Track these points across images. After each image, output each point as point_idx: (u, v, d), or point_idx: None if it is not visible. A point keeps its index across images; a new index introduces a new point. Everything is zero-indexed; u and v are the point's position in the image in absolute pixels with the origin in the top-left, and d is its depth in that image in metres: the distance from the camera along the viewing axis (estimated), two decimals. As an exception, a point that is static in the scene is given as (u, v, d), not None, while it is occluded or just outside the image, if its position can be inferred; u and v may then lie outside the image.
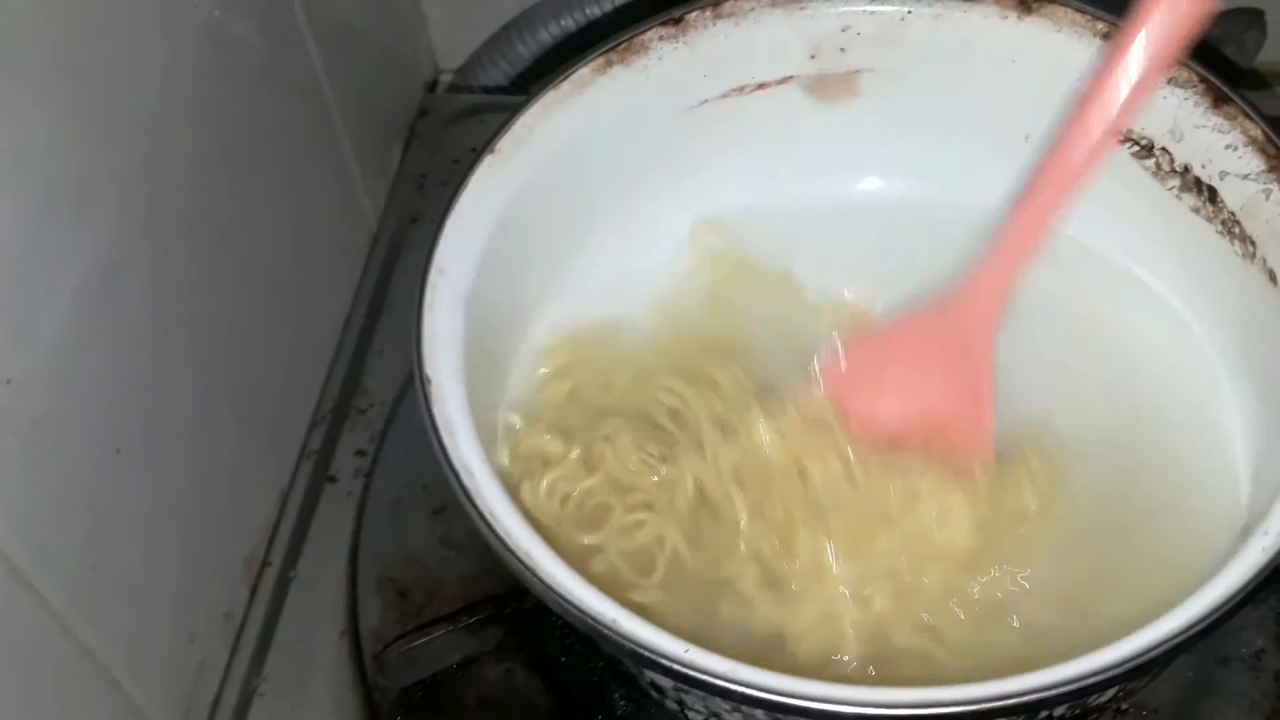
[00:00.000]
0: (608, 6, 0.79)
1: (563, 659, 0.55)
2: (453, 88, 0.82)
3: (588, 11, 0.79)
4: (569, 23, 0.80)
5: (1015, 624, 0.48)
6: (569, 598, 0.42)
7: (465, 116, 0.76)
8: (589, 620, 0.42)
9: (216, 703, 0.58)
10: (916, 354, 0.51)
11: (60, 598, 0.46)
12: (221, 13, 0.55)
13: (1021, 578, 0.49)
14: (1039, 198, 0.49)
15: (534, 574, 0.43)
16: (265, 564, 0.61)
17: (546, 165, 0.54)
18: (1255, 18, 0.69)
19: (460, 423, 0.47)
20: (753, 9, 0.56)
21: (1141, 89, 0.47)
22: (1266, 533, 0.43)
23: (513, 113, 0.54)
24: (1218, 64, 0.53)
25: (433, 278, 0.50)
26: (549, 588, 0.43)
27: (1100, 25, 0.54)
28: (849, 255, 0.59)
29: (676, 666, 0.41)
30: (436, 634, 0.53)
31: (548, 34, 0.80)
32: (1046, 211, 0.49)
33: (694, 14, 0.56)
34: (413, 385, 0.61)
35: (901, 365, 0.51)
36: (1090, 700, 0.46)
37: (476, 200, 0.52)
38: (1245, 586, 0.42)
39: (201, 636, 0.56)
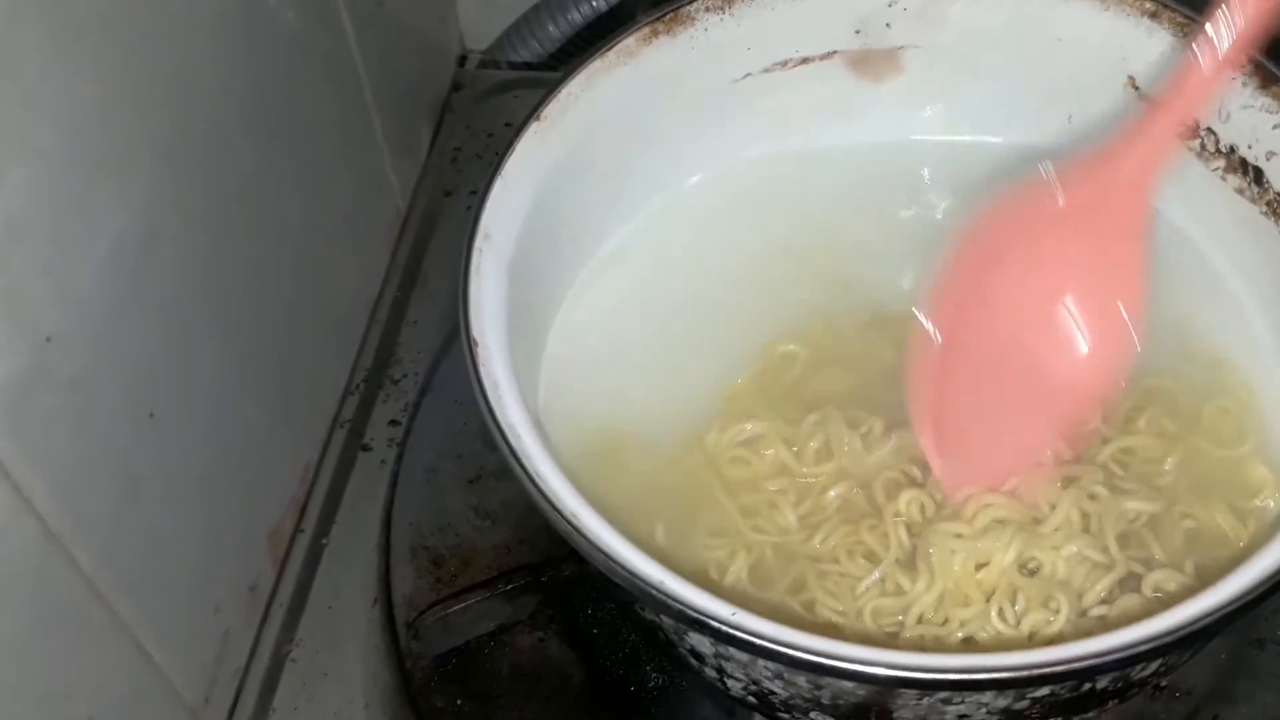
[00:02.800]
0: (637, -16, 0.79)
1: (596, 630, 0.55)
2: (484, 62, 0.82)
3: (618, -10, 0.79)
4: (599, 2, 0.79)
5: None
6: (616, 558, 0.42)
7: (499, 92, 0.76)
8: (636, 580, 0.42)
9: (247, 667, 0.58)
10: (1052, 234, 0.46)
11: (92, 562, 0.46)
12: (263, -11, 0.55)
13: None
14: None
15: (581, 534, 0.43)
16: (298, 530, 0.61)
17: (591, 133, 0.54)
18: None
19: (506, 384, 0.46)
20: (798, -17, 0.56)
21: None
22: (1312, 511, 0.43)
23: (559, 80, 0.54)
24: (1269, 47, 0.53)
25: (479, 242, 0.49)
26: (596, 547, 0.42)
27: (1148, 4, 0.54)
28: (889, 232, 0.58)
29: (723, 628, 0.41)
30: (472, 600, 0.53)
31: (578, 13, 0.80)
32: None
33: (740, -14, 0.56)
34: (447, 356, 0.63)
35: (1032, 253, 0.47)
36: (1133, 673, 0.45)
37: (522, 166, 0.52)
38: (1289, 565, 0.42)
39: (226, 607, 0.56)
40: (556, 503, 0.43)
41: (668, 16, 0.55)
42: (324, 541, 0.61)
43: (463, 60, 0.83)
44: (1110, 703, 0.47)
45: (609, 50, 0.55)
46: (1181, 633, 0.41)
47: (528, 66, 0.81)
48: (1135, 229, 0.46)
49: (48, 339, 0.43)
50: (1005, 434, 0.49)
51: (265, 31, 0.56)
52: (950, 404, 0.48)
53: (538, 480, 0.44)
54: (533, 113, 0.53)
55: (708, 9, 0.56)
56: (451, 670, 0.54)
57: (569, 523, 0.43)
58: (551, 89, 0.54)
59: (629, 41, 0.55)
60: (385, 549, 0.58)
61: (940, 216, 0.58)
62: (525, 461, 0.44)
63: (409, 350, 0.66)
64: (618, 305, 0.56)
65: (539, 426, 0.47)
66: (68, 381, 0.44)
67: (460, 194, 0.71)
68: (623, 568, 0.42)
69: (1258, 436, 0.51)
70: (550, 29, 0.80)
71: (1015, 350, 0.48)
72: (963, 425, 0.48)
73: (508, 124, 0.73)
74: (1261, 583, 0.42)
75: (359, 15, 0.64)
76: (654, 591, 0.42)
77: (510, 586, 0.53)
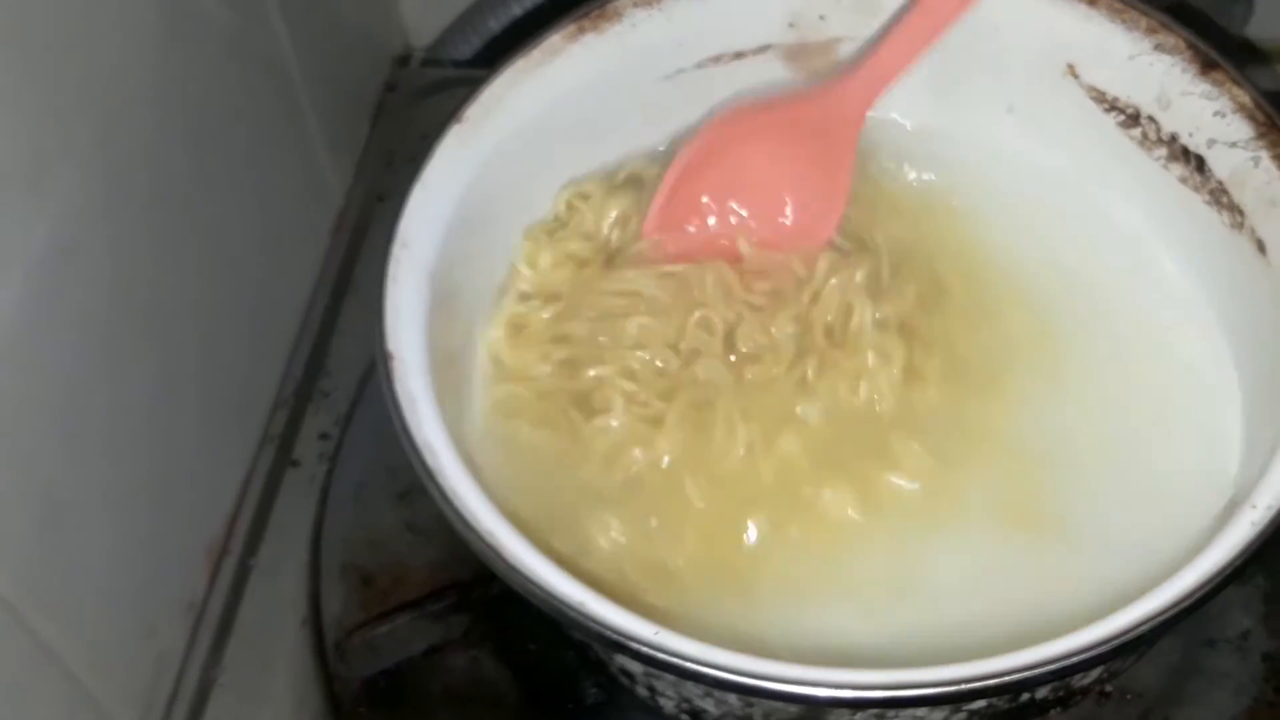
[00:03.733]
0: (583, -21, 0.77)
1: (531, 647, 0.53)
2: (424, 63, 0.80)
3: (564, -15, 0.77)
4: (543, -1, 0.78)
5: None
6: (535, 579, 0.41)
7: (435, 91, 0.75)
8: (556, 603, 0.40)
9: (174, 695, 0.56)
10: (782, 133, 0.54)
11: (13, 589, 0.45)
12: (182, -19, 0.53)
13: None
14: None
15: (498, 555, 0.41)
16: (225, 552, 0.59)
17: (515, 134, 0.52)
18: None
19: (423, 400, 0.45)
20: (729, -23, 0.54)
21: None
22: (1254, 506, 0.42)
23: (481, 80, 0.52)
24: (1209, 34, 0.51)
25: (396, 251, 0.48)
26: (514, 569, 0.41)
27: (1085, -9, 0.52)
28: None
29: (645, 649, 0.40)
30: (400, 621, 0.51)
31: (519, 8, 0.78)
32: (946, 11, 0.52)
33: (669, -19, 0.54)
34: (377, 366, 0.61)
35: (763, 143, 0.54)
36: (1074, 681, 0.44)
37: (443, 171, 0.51)
38: (1231, 563, 0.41)
39: (162, 628, 0.55)
40: (473, 522, 0.42)
41: (594, 13, 0.54)
42: (251, 562, 0.59)
43: (406, 59, 0.81)
44: (1053, 711, 0.46)
45: (533, 49, 0.53)
46: (1119, 640, 0.39)
47: (470, 64, 0.79)
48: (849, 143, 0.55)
49: (-42, 361, 0.41)
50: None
51: (192, 30, 0.54)
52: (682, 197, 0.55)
53: (454, 500, 0.42)
54: (453, 115, 0.52)
55: (636, 4, 0.54)
56: (382, 692, 0.53)
57: (485, 542, 0.42)
58: (473, 90, 0.52)
59: (554, 39, 0.53)
60: (314, 568, 0.57)
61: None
62: (441, 481, 0.43)
63: (340, 361, 0.64)
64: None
65: (460, 443, 0.45)
66: (-19, 404, 0.43)
67: (392, 199, 0.68)
68: (541, 589, 0.41)
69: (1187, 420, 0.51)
70: (491, 24, 0.79)
71: (744, 187, 0.55)
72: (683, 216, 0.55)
73: (443, 125, 0.71)
74: (1201, 585, 0.40)
75: (292, 12, 0.63)
76: (574, 613, 0.40)
77: (440, 606, 0.52)
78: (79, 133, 0.47)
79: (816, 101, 0.54)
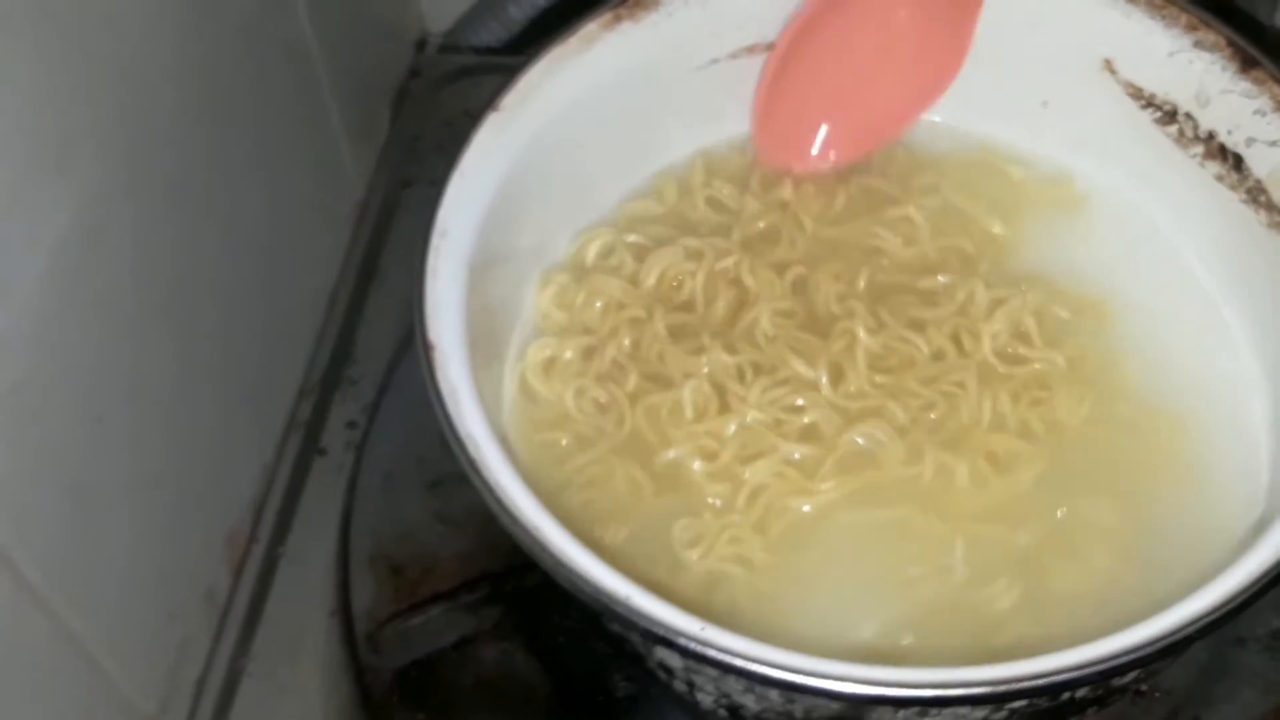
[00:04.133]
0: (605, -33, 0.77)
1: (562, 639, 0.53)
2: (443, 48, 0.80)
3: (584, -28, 0.77)
4: (564, -17, 0.78)
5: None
6: (581, 572, 0.41)
7: (458, 78, 0.74)
8: (601, 596, 0.40)
9: (202, 683, 0.56)
10: None
11: (38, 573, 0.44)
12: (207, -33, 0.53)
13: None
14: None
15: (544, 548, 0.41)
16: (252, 540, 0.59)
17: (551, 123, 0.52)
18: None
19: (464, 390, 0.45)
20: (764, -33, 0.54)
21: None
22: (1292, 516, 0.42)
23: (518, 68, 0.52)
24: (1244, 27, 0.51)
25: (435, 240, 0.48)
26: (560, 562, 0.41)
27: (1123, -11, 0.52)
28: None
29: (691, 645, 0.39)
30: (433, 612, 0.51)
31: (540, -5, 0.78)
32: None
33: (705, -30, 0.54)
34: (406, 356, 0.61)
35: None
36: (1114, 681, 0.44)
37: (480, 159, 0.50)
38: (1274, 568, 0.41)
39: (181, 615, 0.55)
40: (519, 516, 0.42)
41: (631, 1, 0.54)
42: (280, 550, 0.59)
43: (422, 44, 0.81)
44: (1090, 710, 0.46)
45: (570, 36, 0.53)
46: (1166, 641, 0.40)
47: (489, 51, 0.79)
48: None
49: (-12, 340, 0.41)
50: (830, 116, 0.56)
51: (214, 14, 0.54)
52: (784, 90, 0.56)
53: (498, 492, 0.42)
54: (490, 103, 0.51)
55: (672, -7, 0.54)
56: (412, 683, 0.53)
57: (532, 536, 0.41)
58: (510, 78, 0.52)
59: (591, 27, 0.53)
60: (343, 558, 0.56)
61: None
62: (485, 472, 0.43)
63: (366, 349, 0.64)
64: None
65: (501, 434, 0.45)
66: (10, 387, 0.42)
67: (419, 185, 0.69)
68: (588, 583, 0.40)
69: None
70: (511, 10, 0.79)
71: (850, 60, 0.55)
72: (792, 109, 0.56)
73: (467, 112, 0.70)
74: (1248, 587, 0.41)
75: (313, -4, 0.62)
76: (620, 608, 0.40)
77: (472, 597, 0.51)
78: (104, 116, 0.47)
79: None
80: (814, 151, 0.56)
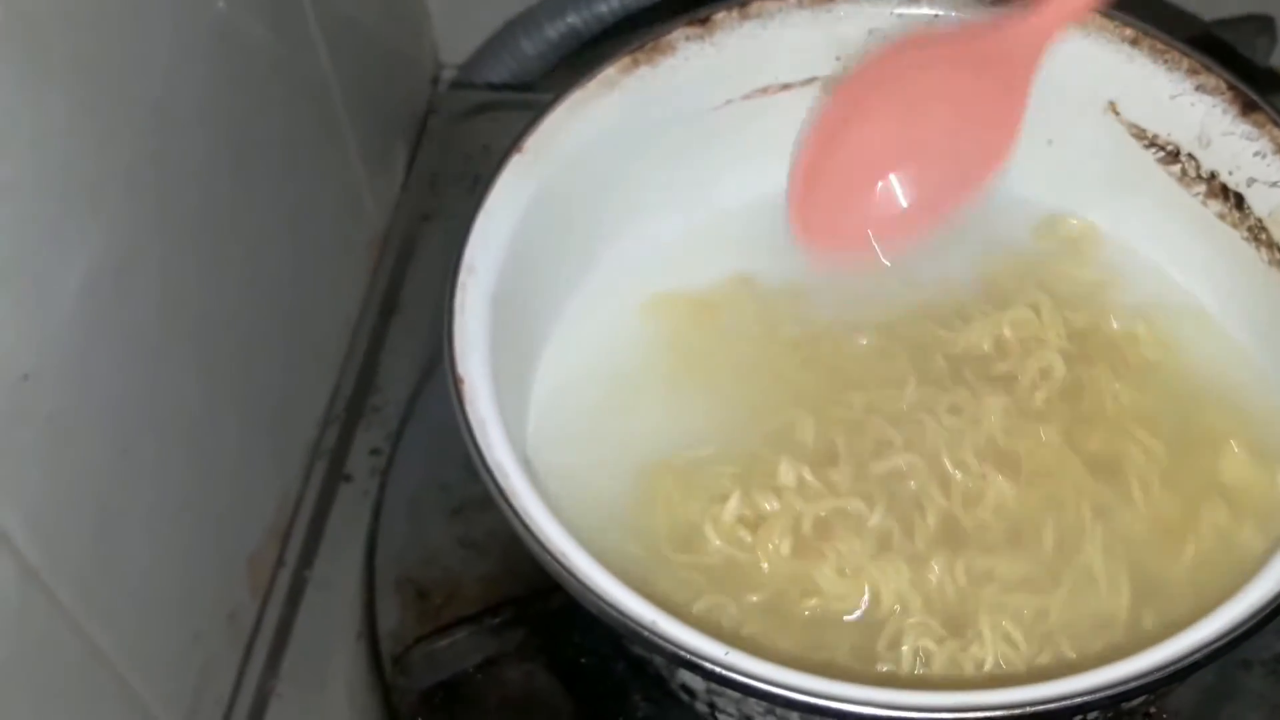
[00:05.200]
0: (615, 6, 0.79)
1: (584, 660, 0.55)
2: (456, 84, 0.82)
3: (595, 10, 0.79)
4: (575, 20, 0.79)
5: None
6: (607, 598, 0.42)
7: (476, 113, 0.76)
8: (627, 621, 0.42)
9: (232, 704, 0.57)
10: (950, 66, 0.51)
11: (70, 596, 0.46)
12: (229, 7, 0.54)
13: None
14: None
15: (571, 574, 0.43)
16: (280, 564, 0.61)
17: (573, 164, 0.54)
18: (1265, 24, 0.70)
19: (493, 422, 0.46)
20: (780, 9, 0.56)
21: None
22: (1304, 539, 0.43)
23: (540, 111, 0.53)
24: (1240, 70, 0.53)
25: (463, 277, 0.49)
26: (586, 588, 0.42)
27: (1128, 31, 0.54)
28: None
29: (717, 669, 0.41)
30: (459, 635, 0.53)
31: (554, 30, 0.79)
32: None
33: (721, 14, 0.56)
34: (428, 385, 0.63)
35: (931, 76, 0.52)
36: (1123, 705, 0.45)
37: (504, 198, 0.52)
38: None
39: (205, 636, 0.56)
40: (547, 544, 0.43)
41: (648, 46, 0.55)
42: (306, 574, 0.60)
43: (436, 79, 0.82)
44: (1099, 732, 0.48)
45: (590, 80, 0.54)
46: (1173, 667, 0.41)
47: (505, 86, 0.80)
48: (1025, 82, 0.51)
49: (24, 376, 0.42)
50: (870, 202, 0.55)
51: (235, 54, 0.55)
52: (825, 170, 0.54)
53: (527, 521, 0.44)
54: (514, 144, 0.53)
55: (687, 38, 0.55)
56: (439, 704, 0.54)
57: (560, 563, 0.43)
58: (532, 120, 0.53)
59: (610, 71, 0.55)
60: (369, 582, 0.58)
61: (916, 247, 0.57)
62: (514, 501, 0.44)
63: (389, 378, 0.66)
64: (607, 338, 0.56)
65: (527, 464, 0.47)
66: (45, 418, 0.44)
67: (438, 219, 0.71)
68: (615, 609, 0.42)
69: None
70: (525, 45, 0.80)
71: (894, 141, 0.53)
72: (832, 190, 0.54)
73: (485, 146, 0.73)
74: (1253, 615, 0.42)
75: (331, 33, 0.64)
76: (646, 633, 0.41)
77: (496, 620, 0.53)
78: (134, 155, 0.48)
79: (985, 36, 0.51)
80: (852, 233, 0.55)
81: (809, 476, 0.51)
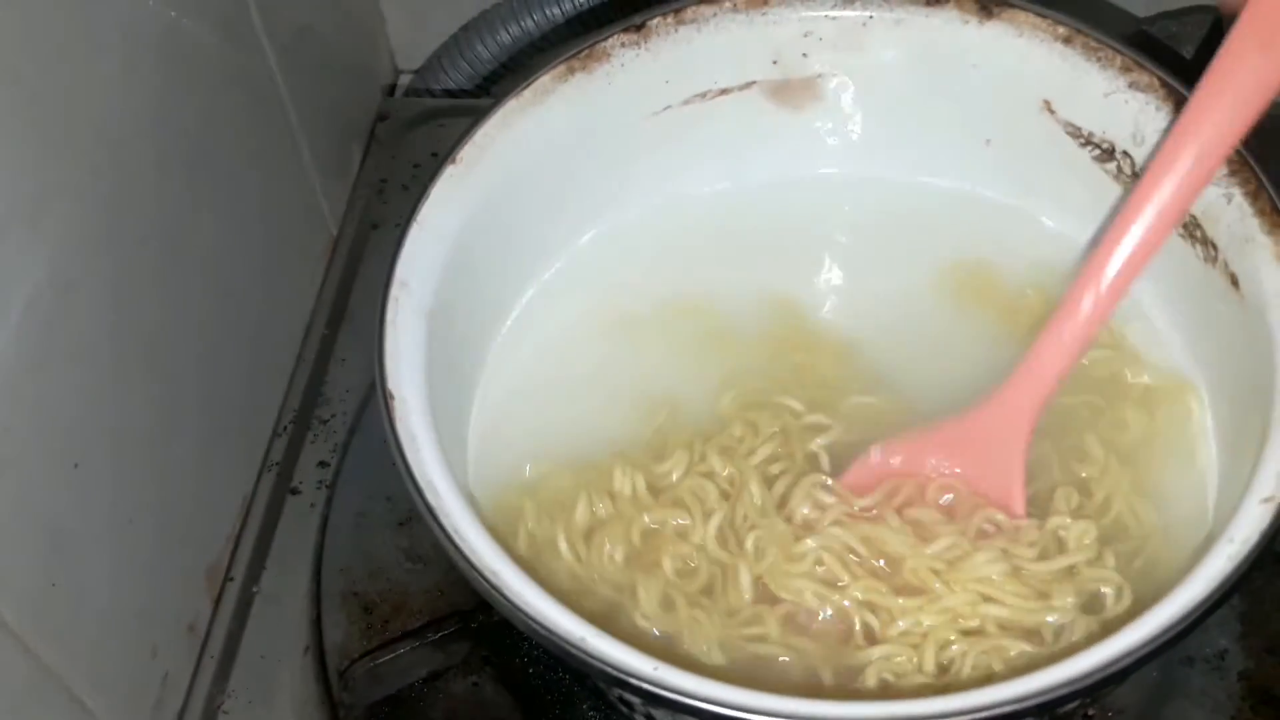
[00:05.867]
0: (568, 8, 0.78)
1: (530, 671, 0.55)
2: (412, 90, 0.81)
3: (548, 13, 0.79)
4: (529, 24, 0.79)
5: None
6: (536, 616, 0.42)
7: (425, 121, 0.76)
8: (556, 639, 0.42)
9: (181, 718, 0.57)
10: (954, 451, 0.51)
11: (18, 616, 0.46)
12: (177, 16, 0.54)
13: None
14: (1077, 314, 0.48)
15: (500, 593, 0.42)
16: (228, 579, 0.61)
17: (509, 174, 0.54)
18: (1209, 14, 0.70)
19: (424, 438, 0.46)
20: (715, 15, 0.56)
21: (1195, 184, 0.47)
22: (1232, 540, 0.43)
23: (474, 121, 0.53)
24: (1172, 62, 0.53)
25: (394, 291, 0.49)
26: (515, 606, 0.42)
27: (1061, 29, 0.54)
28: (812, 256, 0.59)
29: (645, 685, 0.41)
30: (402, 649, 0.53)
31: (508, 34, 0.79)
32: (1088, 325, 0.48)
33: (656, 20, 0.55)
34: (375, 396, 0.62)
35: (939, 459, 0.51)
36: (1058, 710, 0.45)
37: (438, 211, 0.52)
38: (1211, 595, 0.42)
39: (164, 649, 0.56)
40: (475, 561, 0.43)
41: (583, 53, 0.55)
42: (255, 589, 0.60)
43: (393, 87, 0.82)
44: (1038, 734, 0.48)
45: (524, 89, 0.54)
46: (1104, 673, 0.41)
47: (461, 91, 0.80)
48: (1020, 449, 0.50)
49: (-37, 399, 0.42)
50: None
51: (181, 62, 0.55)
52: None
53: (455, 538, 0.44)
54: (448, 156, 0.53)
55: (623, 45, 0.55)
56: (385, 718, 0.54)
57: (487, 581, 0.43)
58: (466, 130, 0.53)
59: (544, 80, 0.54)
60: (316, 596, 0.58)
61: (861, 249, 0.57)
62: (443, 519, 0.44)
63: (337, 389, 0.66)
64: (546, 348, 0.56)
65: (461, 480, 0.47)
66: (-16, 439, 0.43)
67: (386, 227, 0.71)
68: (543, 627, 0.42)
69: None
70: (480, 49, 0.80)
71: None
72: None
73: (434, 154, 0.72)
74: (1183, 618, 0.42)
75: (280, 38, 0.64)
76: (575, 650, 0.41)
77: (441, 634, 0.53)
78: (77, 168, 0.48)
79: (973, 420, 0.50)
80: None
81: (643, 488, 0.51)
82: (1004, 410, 0.50)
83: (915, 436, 0.51)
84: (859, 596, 0.48)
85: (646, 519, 0.51)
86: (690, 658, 0.47)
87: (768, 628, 0.48)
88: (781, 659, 0.48)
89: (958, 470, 0.50)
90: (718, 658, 0.47)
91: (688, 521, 0.50)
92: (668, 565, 0.49)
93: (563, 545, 0.50)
